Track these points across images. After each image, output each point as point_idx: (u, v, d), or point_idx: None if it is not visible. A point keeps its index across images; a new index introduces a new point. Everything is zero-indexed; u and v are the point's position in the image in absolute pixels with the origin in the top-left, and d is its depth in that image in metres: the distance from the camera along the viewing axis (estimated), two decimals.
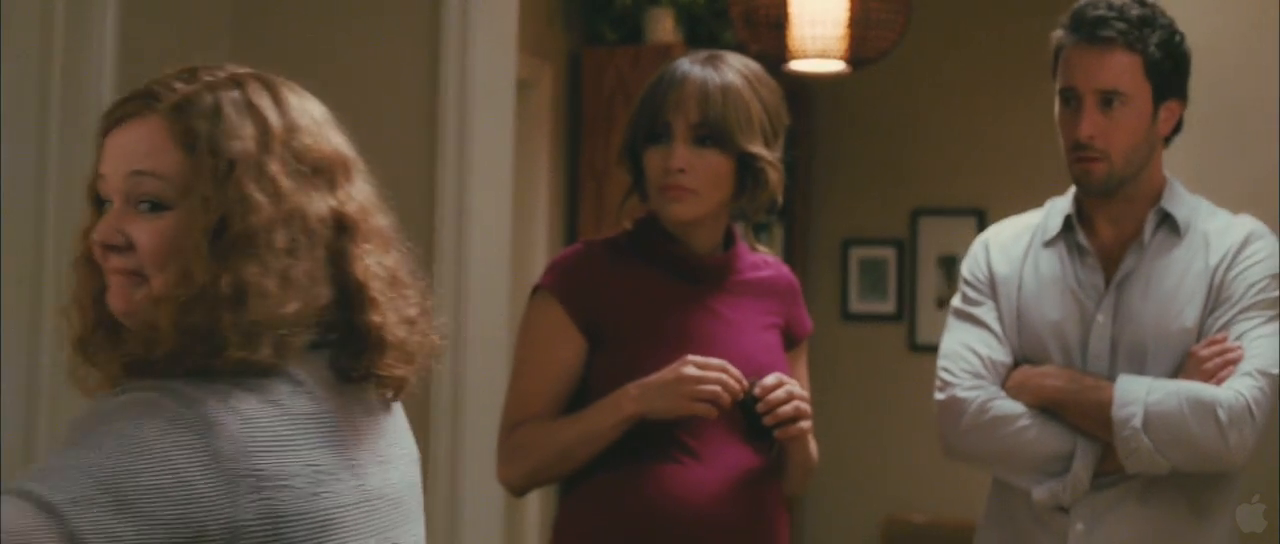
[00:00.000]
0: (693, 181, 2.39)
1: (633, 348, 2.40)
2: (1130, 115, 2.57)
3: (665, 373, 2.33)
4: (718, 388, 2.31)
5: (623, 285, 2.44)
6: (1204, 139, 3.21)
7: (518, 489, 2.50)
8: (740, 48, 4.48)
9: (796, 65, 4.12)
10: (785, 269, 2.62)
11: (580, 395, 2.44)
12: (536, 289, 2.47)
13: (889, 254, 6.02)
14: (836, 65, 4.11)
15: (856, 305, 6.07)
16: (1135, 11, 2.58)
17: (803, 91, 5.96)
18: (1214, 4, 3.22)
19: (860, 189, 6.04)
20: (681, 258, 2.46)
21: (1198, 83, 3.15)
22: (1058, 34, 2.63)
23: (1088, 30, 2.57)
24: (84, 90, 3.51)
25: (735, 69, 2.44)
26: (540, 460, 2.42)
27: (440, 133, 3.65)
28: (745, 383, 2.34)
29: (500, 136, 3.72)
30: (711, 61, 2.44)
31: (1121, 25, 2.56)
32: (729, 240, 2.52)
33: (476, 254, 3.61)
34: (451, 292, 3.61)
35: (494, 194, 3.68)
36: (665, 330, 2.41)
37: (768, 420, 2.34)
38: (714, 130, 2.40)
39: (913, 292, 5.98)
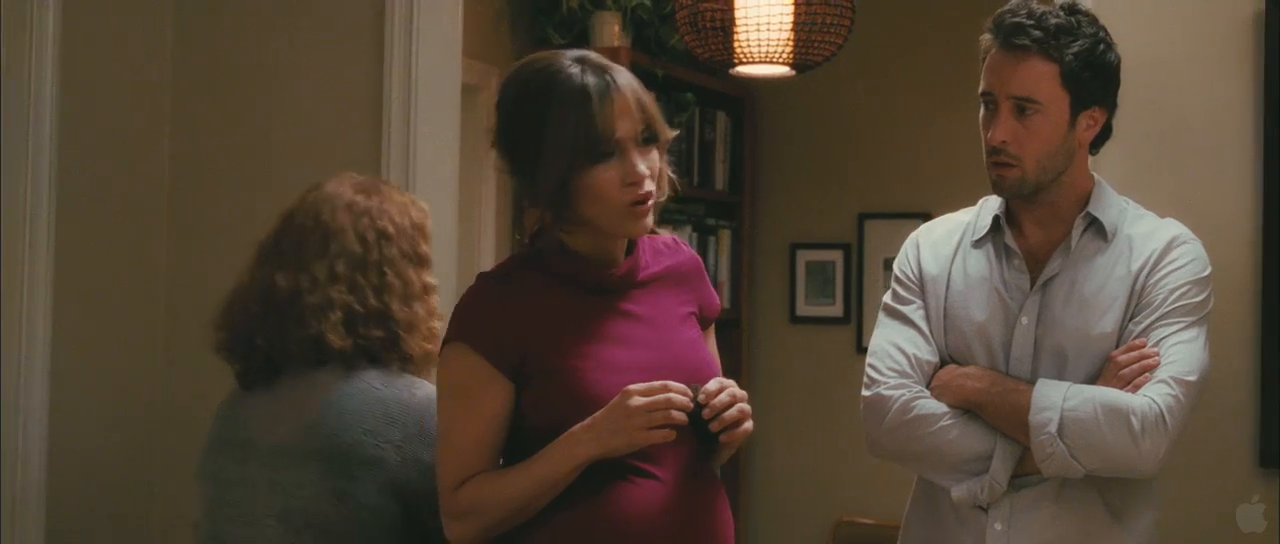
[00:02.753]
0: (650, 186, 2.32)
1: (566, 374, 2.32)
2: (1044, 123, 2.58)
3: (612, 410, 2.27)
4: (669, 412, 2.26)
5: (537, 313, 2.35)
6: (1137, 146, 3.24)
7: None
8: (686, 52, 4.49)
9: (742, 69, 4.13)
10: (686, 248, 2.54)
11: (515, 432, 2.37)
12: (447, 341, 2.37)
13: (836, 257, 6.04)
14: (782, 70, 4.12)
15: (804, 308, 6.08)
16: (1055, 20, 2.58)
17: (748, 96, 5.97)
18: (1148, 14, 3.25)
19: (807, 193, 6.06)
20: (594, 279, 2.39)
21: (1135, 92, 3.19)
22: (985, 37, 2.65)
23: (1004, 36, 2.59)
24: (25, 93, 3.48)
25: (613, 63, 2.36)
26: (497, 516, 2.33)
27: (385, 138, 3.64)
28: (690, 393, 2.29)
29: (446, 141, 3.71)
30: (598, 66, 2.33)
31: (1037, 33, 2.56)
32: (630, 241, 2.44)
33: None
34: None
35: (440, 198, 3.67)
36: (592, 349, 2.34)
37: (714, 427, 2.30)
38: (650, 130, 2.33)
39: (860, 294, 6.00)
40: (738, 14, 4.02)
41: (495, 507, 2.32)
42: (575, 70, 2.30)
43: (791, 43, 4.02)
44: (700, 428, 2.31)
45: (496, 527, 2.35)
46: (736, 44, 4.04)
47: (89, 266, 3.68)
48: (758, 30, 4.00)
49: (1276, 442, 3.11)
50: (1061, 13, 2.60)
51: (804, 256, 6.08)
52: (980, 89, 2.63)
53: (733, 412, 2.30)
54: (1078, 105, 2.60)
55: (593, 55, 2.35)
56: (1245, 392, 3.14)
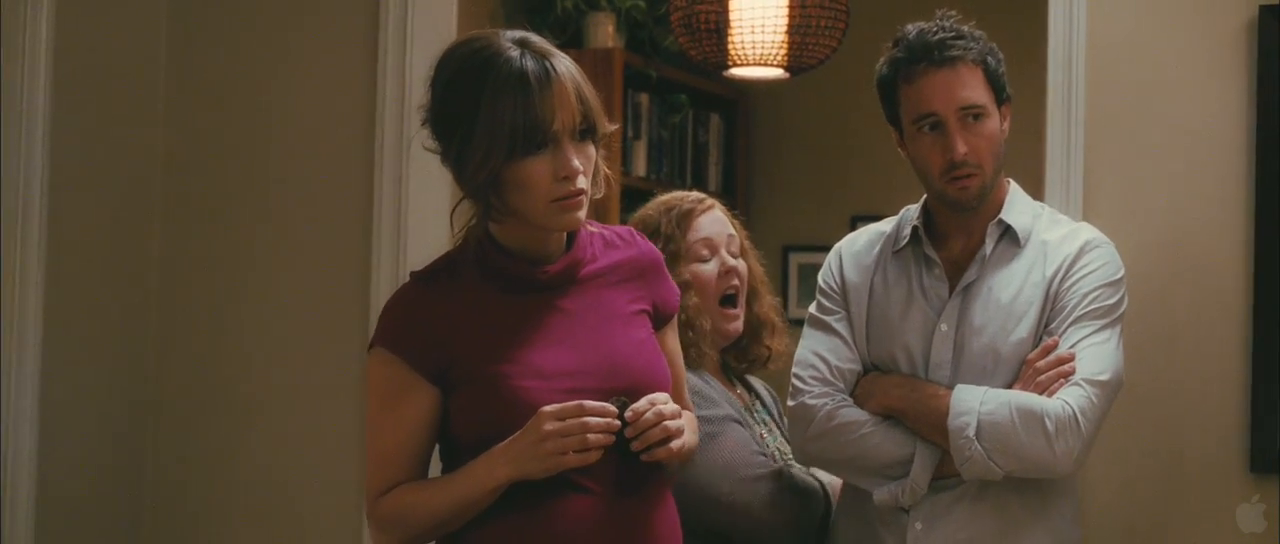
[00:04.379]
0: (583, 183, 2.20)
1: (494, 378, 2.22)
2: (990, 125, 2.67)
3: (526, 433, 2.17)
4: (582, 436, 2.16)
5: (466, 316, 2.24)
6: (1131, 153, 3.24)
7: None
8: (680, 54, 4.49)
9: (736, 72, 4.12)
10: (643, 243, 2.41)
11: (446, 438, 2.29)
12: (371, 346, 2.28)
13: None
14: (776, 72, 4.12)
15: (796, 311, 6.07)
16: (964, 28, 2.67)
17: (742, 98, 5.97)
18: (1142, 22, 3.25)
19: (800, 195, 6.06)
20: (525, 277, 2.28)
21: (1129, 99, 3.19)
22: (888, 70, 2.70)
23: (936, 53, 2.64)
24: (19, 95, 3.48)
25: (555, 48, 2.25)
26: (417, 529, 2.26)
27: (378, 138, 3.64)
28: (613, 411, 2.19)
29: None
30: (539, 51, 2.22)
31: (961, 42, 2.64)
32: (570, 234, 2.32)
33: (414, 260, 3.60)
34: (388, 296, 3.59)
35: (433, 205, 3.68)
36: (524, 348, 2.24)
37: (635, 445, 2.20)
38: (588, 124, 2.22)
39: None
40: (732, 16, 4.01)
41: (416, 520, 2.26)
42: (515, 53, 2.19)
43: (786, 45, 4.02)
44: (623, 444, 2.22)
45: (419, 538, 2.29)
46: (731, 46, 4.04)
47: (82, 267, 3.68)
48: (752, 32, 3.99)
49: (1268, 448, 3.11)
50: (951, 23, 2.68)
51: (796, 259, 6.08)
52: (916, 114, 2.67)
53: (655, 431, 2.21)
54: (998, 102, 2.69)
55: (534, 39, 2.25)
56: (1237, 397, 3.14)
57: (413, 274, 2.34)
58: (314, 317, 3.75)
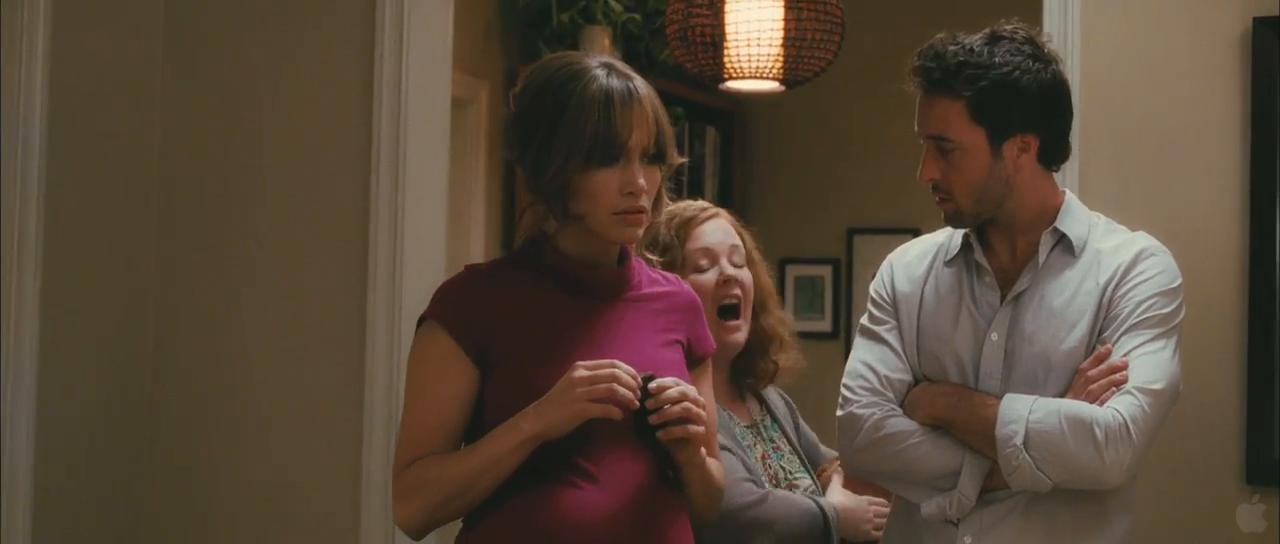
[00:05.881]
0: (645, 202, 2.35)
1: (528, 367, 2.32)
2: (963, 159, 2.60)
3: (555, 388, 2.27)
4: (613, 385, 2.24)
5: (513, 307, 2.36)
6: (1127, 162, 3.25)
7: (415, 530, 2.39)
8: (676, 67, 4.50)
9: (732, 85, 4.13)
10: (685, 287, 2.54)
11: (476, 425, 2.36)
12: (423, 319, 2.38)
13: (825, 272, 6.05)
14: (772, 85, 4.12)
15: (792, 323, 6.08)
16: (957, 58, 2.59)
17: (738, 111, 5.98)
18: (1137, 33, 3.26)
19: (796, 208, 6.07)
20: (576, 276, 2.40)
21: (1124, 108, 3.20)
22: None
23: (914, 79, 2.63)
24: (15, 101, 3.48)
25: (633, 72, 2.39)
26: (440, 496, 2.32)
27: (375, 150, 3.64)
28: (639, 378, 2.27)
29: (435, 154, 3.71)
30: (623, 74, 2.37)
31: (938, 74, 2.59)
32: (622, 255, 2.45)
33: (411, 271, 3.60)
34: (385, 308, 3.59)
35: (429, 212, 3.68)
36: (561, 346, 2.34)
37: (653, 419, 2.27)
38: (659, 148, 2.36)
39: (848, 309, 6.01)
40: (728, 29, 4.02)
41: (439, 484, 2.31)
42: (601, 73, 2.35)
43: (781, 58, 4.02)
44: (642, 419, 2.28)
45: (440, 507, 2.33)
46: (726, 59, 4.04)
47: (79, 270, 3.68)
48: (748, 46, 4.00)
49: (1264, 459, 3.11)
50: (975, 46, 2.60)
51: (793, 271, 6.08)
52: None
53: (676, 409, 2.28)
54: (996, 136, 2.59)
55: (619, 63, 2.39)
56: (1232, 408, 3.14)
57: (469, 267, 2.48)
58: (310, 320, 3.75)
